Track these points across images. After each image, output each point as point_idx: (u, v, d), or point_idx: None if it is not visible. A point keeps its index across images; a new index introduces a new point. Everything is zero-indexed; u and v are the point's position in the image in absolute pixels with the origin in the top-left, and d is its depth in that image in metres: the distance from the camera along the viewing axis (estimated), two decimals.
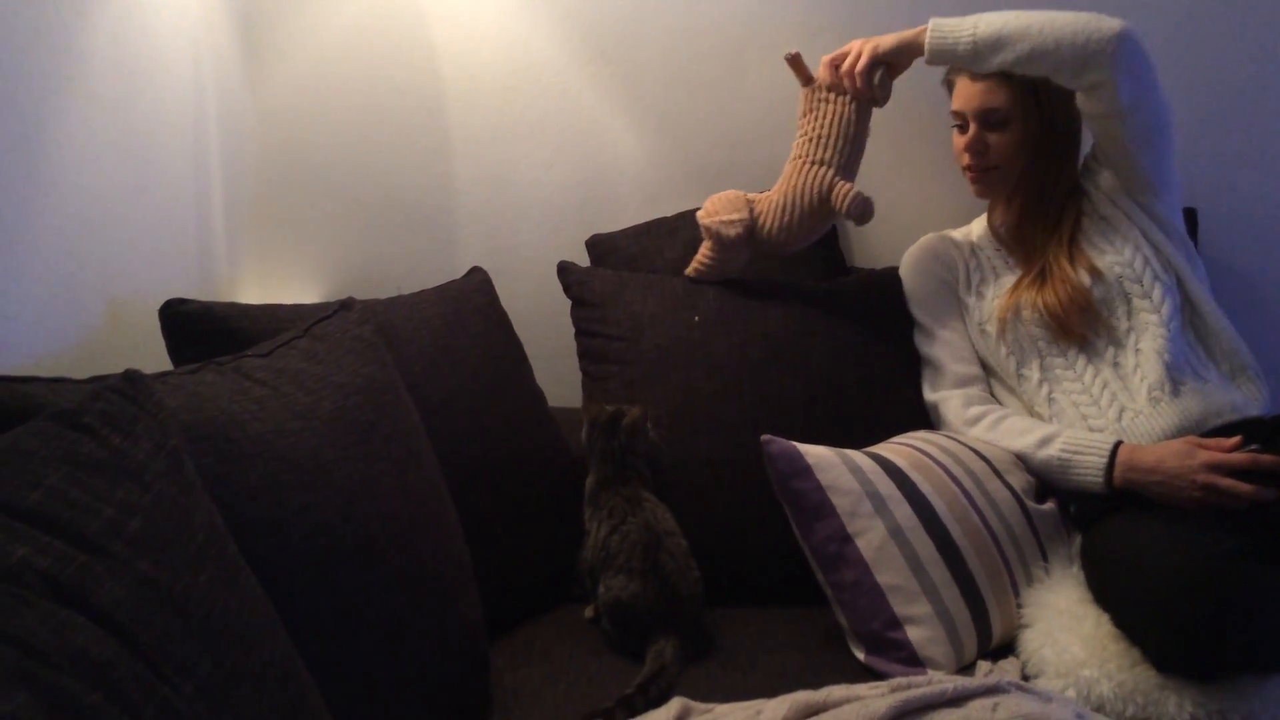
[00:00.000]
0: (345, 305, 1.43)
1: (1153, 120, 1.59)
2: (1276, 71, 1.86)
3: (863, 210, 1.67)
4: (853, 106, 1.68)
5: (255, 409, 1.11)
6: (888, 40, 1.63)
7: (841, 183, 1.68)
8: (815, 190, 1.68)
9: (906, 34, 1.62)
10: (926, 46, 1.59)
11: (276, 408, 1.13)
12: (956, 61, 1.61)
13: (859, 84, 1.64)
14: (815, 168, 1.69)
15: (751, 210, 1.74)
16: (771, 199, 1.73)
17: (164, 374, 1.13)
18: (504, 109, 2.05)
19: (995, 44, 1.55)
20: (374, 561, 1.16)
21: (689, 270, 1.80)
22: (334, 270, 2.11)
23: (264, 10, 2.04)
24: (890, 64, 1.66)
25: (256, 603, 0.93)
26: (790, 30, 1.95)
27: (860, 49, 1.65)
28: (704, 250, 1.78)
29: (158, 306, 1.39)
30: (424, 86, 2.05)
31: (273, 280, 2.11)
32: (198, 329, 1.39)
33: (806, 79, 1.74)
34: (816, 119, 1.70)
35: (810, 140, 1.70)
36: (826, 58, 1.69)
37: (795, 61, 1.73)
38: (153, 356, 1.39)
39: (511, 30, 2.02)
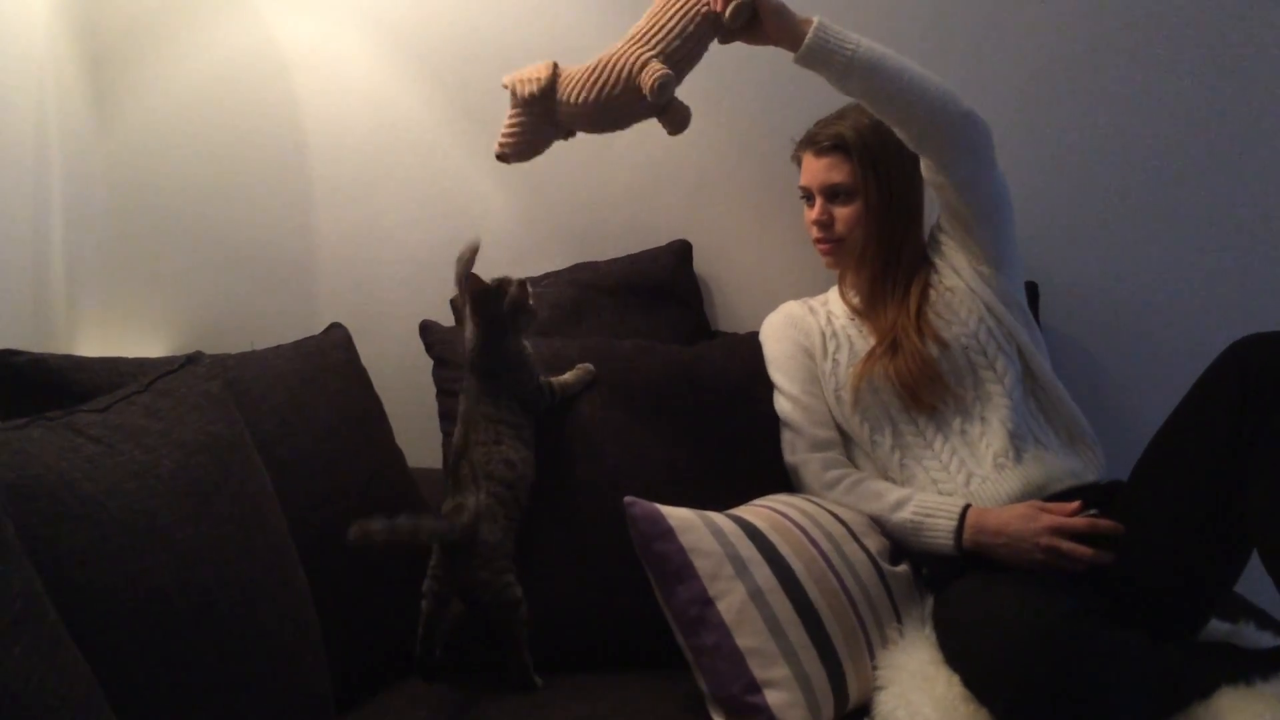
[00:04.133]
0: (193, 359, 1.37)
1: (991, 197, 1.66)
2: (1112, 152, 1.99)
3: (666, 91, 1.50)
4: (704, 13, 1.52)
5: (87, 467, 1.05)
6: (774, 2, 1.51)
7: (658, 64, 1.50)
8: (628, 65, 1.52)
9: (793, 14, 1.52)
10: (806, 41, 1.51)
11: (110, 466, 1.07)
12: (825, 70, 1.54)
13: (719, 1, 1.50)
14: (640, 48, 1.53)
15: (556, 73, 1.56)
16: (584, 65, 1.56)
17: None
18: (369, 164, 2.03)
19: (869, 69, 1.52)
20: (213, 629, 1.10)
21: (496, 148, 1.61)
22: (184, 323, 2.03)
23: (116, 52, 1.98)
24: (760, 19, 1.52)
25: (78, 677, 0.86)
26: None
27: None
28: (506, 119, 1.60)
29: None
30: (286, 137, 2.01)
31: (116, 332, 2.01)
32: (29, 382, 1.31)
33: None
34: (666, 7, 1.54)
35: (650, 25, 1.54)
36: None
37: None
38: None
39: (379, 86, 2.01)
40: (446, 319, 1.91)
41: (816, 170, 1.75)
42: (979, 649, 1.34)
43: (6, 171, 1.65)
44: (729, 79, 1.97)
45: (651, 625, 1.50)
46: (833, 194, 1.74)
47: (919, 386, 1.66)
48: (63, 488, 1.01)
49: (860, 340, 1.76)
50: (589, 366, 1.73)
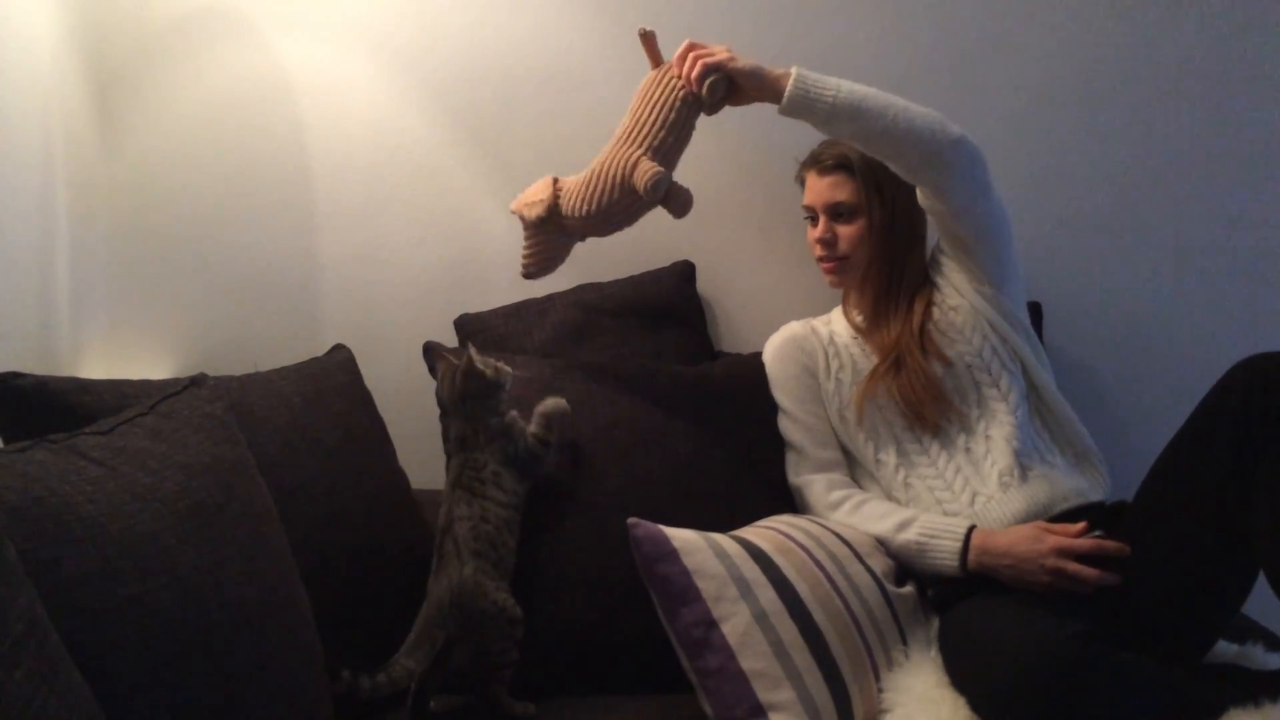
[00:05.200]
0: (196, 381, 1.37)
1: (988, 221, 1.67)
2: (1115, 173, 1.99)
3: (659, 188, 1.55)
4: (682, 97, 1.57)
5: (89, 490, 1.04)
6: (746, 63, 1.55)
7: (647, 162, 1.56)
8: (620, 168, 1.58)
9: (769, 71, 1.55)
10: (786, 94, 1.54)
11: (113, 489, 1.06)
12: (810, 118, 1.56)
13: (692, 79, 1.55)
14: (629, 148, 1.59)
15: (557, 189, 1.65)
16: (581, 176, 1.64)
17: None
18: (373, 185, 2.04)
19: (852, 112, 1.53)
20: (215, 652, 1.09)
21: (521, 270, 1.74)
22: (188, 345, 2.03)
23: (122, 75, 1.99)
24: (737, 85, 1.57)
25: (79, 700, 0.86)
26: None
27: (717, 54, 1.55)
28: (523, 243, 1.72)
29: None
30: (290, 159, 2.02)
31: (121, 354, 2.01)
32: (33, 405, 1.30)
33: (656, 61, 1.63)
34: (646, 102, 1.59)
35: (635, 122, 1.60)
36: (688, 42, 1.58)
37: (648, 40, 1.62)
38: None
39: (382, 108, 2.02)
40: (450, 340, 1.92)
41: (820, 189, 1.75)
42: (985, 671, 1.33)
43: (12, 195, 1.66)
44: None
45: (655, 648, 1.49)
46: (836, 213, 1.75)
47: (923, 404, 1.66)
48: (65, 510, 1.00)
49: (864, 359, 1.76)
50: (556, 403, 1.67)
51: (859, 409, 1.71)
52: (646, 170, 1.55)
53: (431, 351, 1.82)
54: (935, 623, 1.57)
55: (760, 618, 1.41)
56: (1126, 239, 2.00)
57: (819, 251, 1.78)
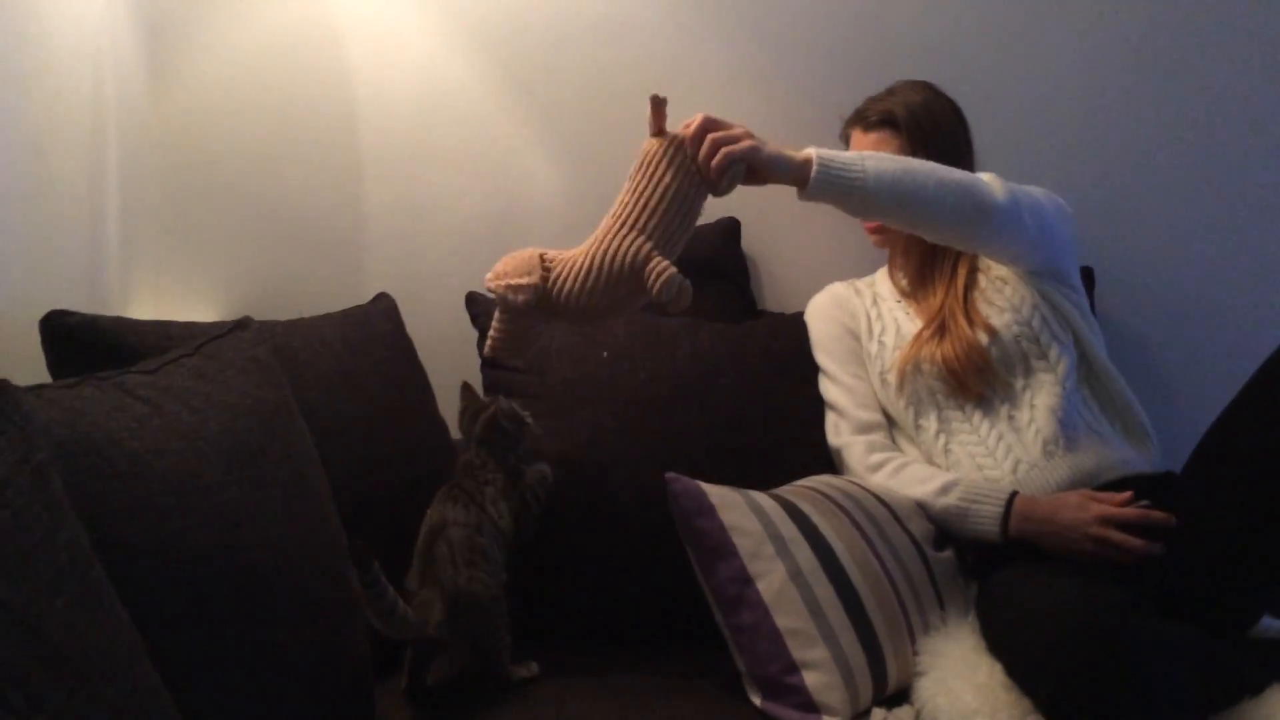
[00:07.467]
0: (241, 324, 1.37)
1: (1039, 259, 1.66)
2: (1172, 136, 1.95)
3: (677, 294, 1.40)
4: (695, 181, 1.44)
5: (135, 427, 1.05)
6: (768, 152, 1.44)
7: (660, 259, 1.41)
8: (627, 259, 1.42)
9: (791, 157, 1.46)
10: (811, 180, 1.45)
11: (158, 426, 1.08)
12: (840, 203, 1.49)
13: (711, 170, 1.42)
14: (633, 234, 1.43)
15: (545, 271, 1.48)
16: (575, 259, 1.47)
17: (39, 386, 1.07)
18: (419, 134, 2.03)
19: (885, 196, 1.46)
20: (255, 590, 1.11)
21: (485, 350, 1.58)
22: (233, 289, 2.05)
23: (172, 20, 2.00)
24: (755, 171, 1.46)
25: (120, 630, 0.87)
26: (710, 74, 1.98)
27: (739, 140, 1.43)
28: (494, 320, 1.55)
29: (40, 317, 1.32)
30: (337, 107, 2.02)
31: (168, 296, 2.04)
32: (81, 343, 1.32)
33: (659, 131, 1.46)
34: (651, 180, 1.43)
35: (637, 202, 1.44)
36: (704, 120, 1.44)
37: (658, 107, 1.45)
38: (32, 370, 1.32)
39: (429, 56, 2.01)
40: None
41: (865, 146, 1.73)
42: (1023, 638, 1.31)
43: (64, 138, 1.67)
44: (778, 54, 1.94)
45: (689, 602, 1.49)
46: None
47: (965, 373, 1.64)
48: (111, 445, 1.02)
49: (907, 323, 1.74)
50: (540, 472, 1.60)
51: (900, 374, 1.69)
52: (663, 272, 1.40)
53: (475, 301, 1.83)
54: (974, 588, 1.56)
55: (796, 575, 1.40)
56: (1183, 205, 1.96)
57: None
